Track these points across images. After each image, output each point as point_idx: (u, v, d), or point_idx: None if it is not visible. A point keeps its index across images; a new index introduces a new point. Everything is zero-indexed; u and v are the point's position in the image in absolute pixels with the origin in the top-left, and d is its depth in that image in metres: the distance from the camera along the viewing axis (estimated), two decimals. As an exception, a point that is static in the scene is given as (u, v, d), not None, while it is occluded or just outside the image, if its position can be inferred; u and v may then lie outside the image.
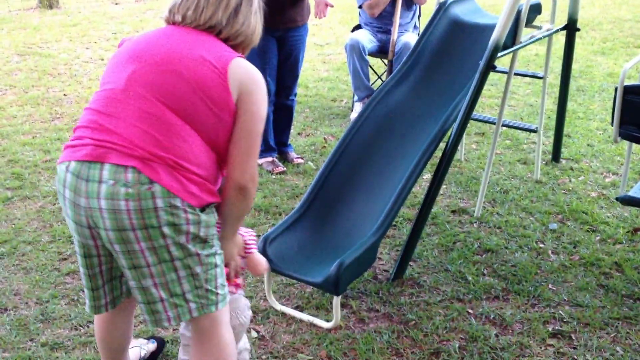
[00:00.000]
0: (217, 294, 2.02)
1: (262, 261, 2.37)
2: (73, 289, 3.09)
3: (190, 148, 1.91)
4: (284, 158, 4.58)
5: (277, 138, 4.56)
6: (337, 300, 2.76)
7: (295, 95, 4.55)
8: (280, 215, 3.78)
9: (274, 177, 4.31)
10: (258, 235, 3.50)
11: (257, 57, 3.93)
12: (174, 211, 1.86)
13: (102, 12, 10.39)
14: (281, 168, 4.39)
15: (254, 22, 2.08)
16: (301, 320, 2.85)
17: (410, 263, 3.27)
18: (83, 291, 3.06)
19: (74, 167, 1.88)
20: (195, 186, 1.91)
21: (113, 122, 1.90)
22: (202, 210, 1.94)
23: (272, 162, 4.44)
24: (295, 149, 4.79)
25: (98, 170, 1.85)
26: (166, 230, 1.87)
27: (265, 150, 4.44)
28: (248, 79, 1.96)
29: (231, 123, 1.96)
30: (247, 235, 2.31)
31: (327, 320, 2.83)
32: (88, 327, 2.81)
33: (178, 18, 2.04)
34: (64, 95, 6.18)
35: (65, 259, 3.36)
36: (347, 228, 3.22)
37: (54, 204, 3.96)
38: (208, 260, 1.98)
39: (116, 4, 11.01)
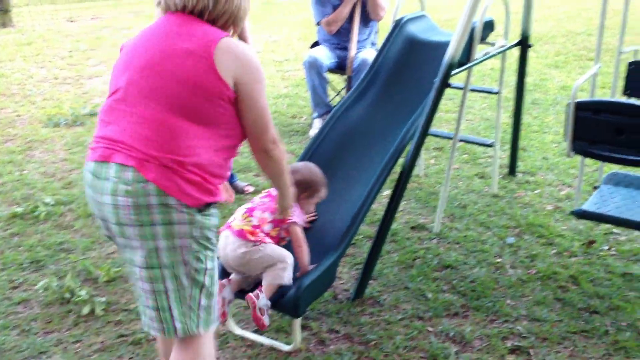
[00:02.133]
0: (199, 315, 2.04)
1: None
2: (25, 318, 3.01)
3: (193, 146, 1.96)
4: (233, 190, 4.37)
5: None
6: (296, 323, 2.73)
7: None
8: (239, 235, 3.74)
9: (235, 197, 4.26)
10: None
11: None
12: (167, 209, 1.92)
13: (57, 29, 10.23)
14: (251, 188, 4.35)
15: None
16: (261, 344, 2.81)
17: (371, 281, 3.26)
18: (35, 320, 2.99)
19: (91, 167, 2.02)
20: (193, 186, 1.95)
21: (115, 128, 1.99)
22: (199, 210, 1.97)
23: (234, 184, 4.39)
24: (255, 167, 4.75)
25: (106, 169, 1.97)
26: (159, 229, 1.93)
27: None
28: (240, 63, 1.99)
29: (234, 108, 2.02)
30: None
31: (287, 343, 2.80)
32: (40, 359, 2.73)
33: (171, 6, 2.07)
34: (17, 116, 6.05)
35: (16, 287, 3.27)
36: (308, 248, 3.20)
37: (5, 229, 3.86)
38: (198, 277, 2.01)
39: (71, 21, 10.85)
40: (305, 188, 2.91)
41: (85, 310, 3.06)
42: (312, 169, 3.01)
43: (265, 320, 2.64)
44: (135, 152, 1.93)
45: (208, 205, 2.00)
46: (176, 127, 1.95)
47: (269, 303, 2.66)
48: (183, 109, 1.95)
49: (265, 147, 2.13)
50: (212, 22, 2.07)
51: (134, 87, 1.99)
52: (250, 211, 2.76)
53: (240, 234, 2.68)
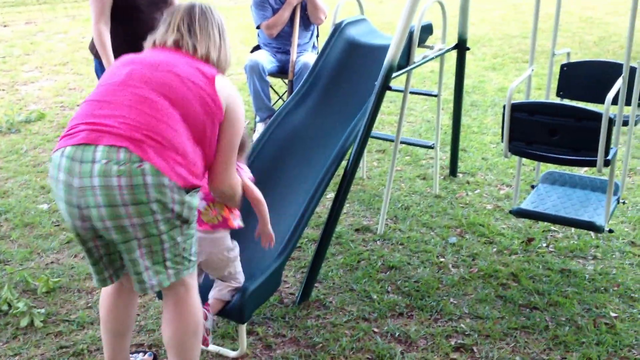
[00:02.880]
0: (190, 260, 2.25)
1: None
2: (-41, 333, 2.90)
3: (179, 137, 2.11)
4: None
5: None
6: (242, 328, 2.71)
7: None
8: (182, 242, 3.70)
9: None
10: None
11: None
12: (162, 189, 2.05)
13: (-11, 34, 9.92)
14: None
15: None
16: (207, 351, 2.78)
17: (316, 284, 3.27)
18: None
19: (69, 151, 2.05)
20: (182, 168, 2.11)
21: (111, 106, 2.11)
22: (187, 192, 2.13)
23: None
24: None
25: (91, 152, 2.02)
26: (154, 206, 2.05)
27: None
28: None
29: (217, 130, 2.23)
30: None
31: (233, 349, 2.78)
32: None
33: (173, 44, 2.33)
34: (-52, 123, 5.84)
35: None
36: (251, 252, 3.18)
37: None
38: (188, 231, 2.20)
39: (5, 26, 10.53)
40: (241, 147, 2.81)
41: (24, 322, 2.97)
42: None
43: (209, 340, 2.61)
44: (128, 131, 2.05)
45: (194, 188, 2.16)
46: (170, 115, 2.11)
47: (214, 322, 2.62)
48: (180, 102, 2.14)
49: (223, 190, 2.37)
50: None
51: (137, 76, 2.16)
52: (208, 201, 2.59)
53: (225, 224, 2.60)
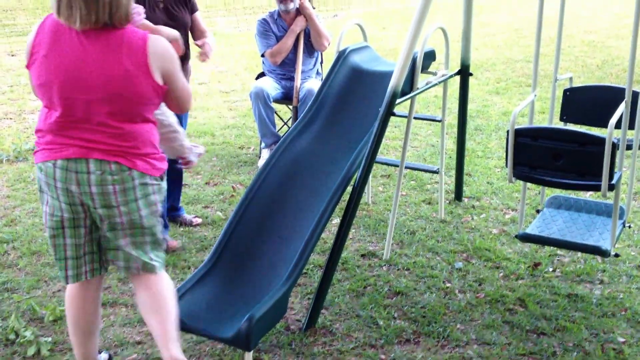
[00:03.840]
0: (163, 257, 2.68)
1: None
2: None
3: (144, 136, 2.49)
4: (181, 222, 4.30)
5: (167, 203, 4.17)
6: (249, 356, 2.71)
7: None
8: (189, 269, 3.71)
9: (181, 229, 4.23)
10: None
11: None
12: (146, 186, 2.50)
13: (-3, 63, 10.03)
14: (175, 243, 4.00)
15: None
16: (213, 379, 2.77)
17: (322, 311, 3.26)
18: None
19: (61, 164, 2.42)
20: (156, 161, 2.54)
21: (80, 131, 2.44)
22: (161, 178, 2.58)
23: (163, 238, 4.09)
24: (203, 199, 4.73)
25: (84, 165, 2.41)
26: (140, 203, 2.49)
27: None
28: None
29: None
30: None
31: (240, 377, 2.78)
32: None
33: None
34: (-44, 152, 5.88)
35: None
36: (257, 279, 3.19)
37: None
38: (160, 232, 2.63)
39: (12, 55, 10.66)
40: None
41: (31, 351, 2.97)
42: None
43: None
44: (112, 148, 2.42)
45: (164, 172, 2.60)
46: (128, 129, 2.45)
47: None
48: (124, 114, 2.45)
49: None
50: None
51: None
52: None
53: None
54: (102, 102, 2.38)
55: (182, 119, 3.96)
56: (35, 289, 3.55)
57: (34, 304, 3.32)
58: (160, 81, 2.44)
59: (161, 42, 2.46)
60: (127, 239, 2.53)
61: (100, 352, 2.87)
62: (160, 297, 2.58)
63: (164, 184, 2.62)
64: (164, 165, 2.58)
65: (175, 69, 2.50)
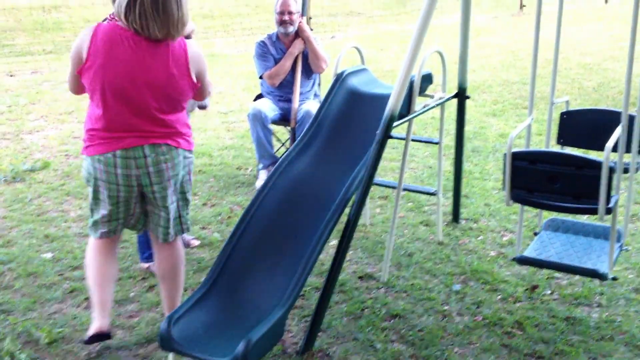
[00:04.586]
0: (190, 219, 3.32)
1: None
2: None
3: (178, 117, 3.05)
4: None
5: None
6: (245, 379, 2.69)
7: None
8: (185, 291, 3.69)
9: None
10: (163, 314, 3.41)
11: None
12: (187, 159, 3.11)
13: (-5, 83, 10.05)
14: (196, 242, 4.13)
15: None
16: (209, 403, 2.75)
17: (320, 333, 3.25)
18: None
19: (121, 153, 2.92)
20: (190, 138, 3.13)
21: (134, 122, 2.96)
22: (191, 152, 3.15)
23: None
24: (201, 220, 4.73)
25: (141, 151, 2.93)
26: (181, 172, 3.09)
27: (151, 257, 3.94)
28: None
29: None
30: None
31: (237, 401, 2.75)
32: None
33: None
34: (-46, 172, 5.87)
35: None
36: (255, 301, 3.17)
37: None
38: (190, 197, 3.25)
39: (11, 75, 10.68)
40: None
41: (26, 374, 2.95)
42: None
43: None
44: (160, 134, 2.95)
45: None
46: (171, 118, 3.01)
47: None
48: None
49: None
50: None
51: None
52: None
53: None
54: (151, 100, 2.89)
55: None
56: (31, 311, 3.53)
57: (30, 326, 3.31)
58: (195, 80, 3.00)
59: (195, 47, 3.01)
60: (172, 208, 3.10)
61: None
62: (177, 267, 3.22)
63: (193, 156, 3.23)
64: (193, 141, 3.19)
65: (206, 69, 3.07)
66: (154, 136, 2.95)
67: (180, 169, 3.06)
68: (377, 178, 4.62)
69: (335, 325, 3.35)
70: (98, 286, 3.12)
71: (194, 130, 7.03)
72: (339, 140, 3.86)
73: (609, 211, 2.85)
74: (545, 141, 3.67)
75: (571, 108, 3.86)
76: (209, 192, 5.33)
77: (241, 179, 5.69)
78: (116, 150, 2.92)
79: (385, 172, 5.78)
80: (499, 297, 3.63)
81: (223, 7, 17.22)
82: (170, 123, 2.99)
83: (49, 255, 4.18)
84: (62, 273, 3.95)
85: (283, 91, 5.47)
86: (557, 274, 3.85)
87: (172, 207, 3.11)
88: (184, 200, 3.19)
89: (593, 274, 3.08)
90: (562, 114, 3.79)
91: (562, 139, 3.79)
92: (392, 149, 6.32)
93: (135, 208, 3.12)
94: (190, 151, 3.13)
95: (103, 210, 3.08)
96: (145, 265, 3.94)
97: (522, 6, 17.52)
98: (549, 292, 3.67)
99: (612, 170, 2.81)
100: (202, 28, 13.68)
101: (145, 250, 3.92)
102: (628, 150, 3.22)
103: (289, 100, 5.44)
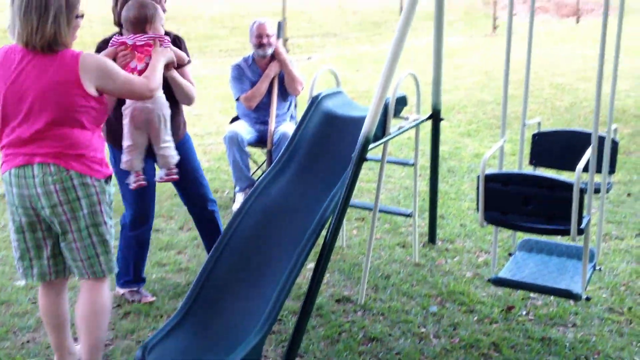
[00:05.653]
0: (113, 260, 2.96)
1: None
2: None
3: (84, 140, 2.82)
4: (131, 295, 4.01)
5: (131, 272, 3.92)
6: (222, 407, 2.66)
7: (213, 202, 4.19)
8: (161, 317, 3.66)
9: (153, 276, 4.18)
10: (139, 342, 3.37)
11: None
12: (86, 186, 2.80)
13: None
14: (150, 298, 3.89)
15: None
16: None
17: (297, 359, 3.23)
18: None
19: (14, 172, 2.79)
20: (97, 164, 2.85)
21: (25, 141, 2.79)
22: (106, 182, 2.88)
23: (138, 291, 3.92)
24: (177, 244, 4.70)
25: (30, 170, 2.76)
26: (83, 202, 2.80)
27: (134, 281, 3.92)
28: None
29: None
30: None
31: None
32: None
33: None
34: None
35: None
36: (232, 327, 3.15)
37: None
38: (112, 232, 2.93)
39: None
40: None
41: (-3, 406, 2.89)
42: None
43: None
44: (50, 152, 2.75)
45: (110, 177, 2.91)
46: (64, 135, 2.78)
47: None
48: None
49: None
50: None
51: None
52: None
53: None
54: (39, 115, 2.74)
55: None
56: (4, 340, 3.47)
57: (3, 355, 3.25)
58: (94, 92, 2.79)
59: (91, 57, 2.82)
60: (76, 241, 2.83)
61: (76, 340, 3.14)
62: (97, 307, 2.92)
63: (110, 188, 2.92)
64: (107, 170, 2.90)
65: (110, 76, 2.84)
66: (41, 154, 2.76)
67: (75, 196, 2.78)
68: (354, 200, 4.63)
69: (312, 350, 3.34)
70: (49, 331, 3.05)
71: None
72: (315, 163, 3.87)
73: (581, 232, 2.89)
74: (518, 162, 3.72)
75: (544, 128, 3.92)
76: (185, 216, 5.29)
77: (218, 202, 5.65)
78: (11, 169, 2.80)
79: (362, 193, 5.80)
80: (476, 318, 3.64)
81: (199, 29, 17.26)
82: (61, 141, 2.76)
83: (22, 283, 4.11)
84: (35, 301, 3.89)
85: (259, 113, 5.48)
86: (532, 294, 3.87)
87: (78, 239, 2.83)
88: (97, 235, 2.86)
89: (567, 294, 3.11)
90: (534, 135, 3.84)
91: (535, 160, 3.84)
92: (368, 170, 6.34)
93: (46, 241, 2.88)
94: (97, 179, 2.83)
95: (20, 249, 2.89)
96: (122, 291, 3.90)
97: (495, 27, 17.80)
98: (525, 312, 3.70)
99: (583, 191, 2.85)
100: (178, 50, 13.66)
101: (122, 276, 3.88)
102: (599, 170, 3.27)
103: (266, 123, 5.44)
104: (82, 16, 2.86)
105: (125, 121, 3.47)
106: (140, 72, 3.19)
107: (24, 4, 2.70)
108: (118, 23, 3.63)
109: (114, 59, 3.21)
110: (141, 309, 3.73)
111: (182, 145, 3.85)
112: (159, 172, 3.69)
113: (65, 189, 2.76)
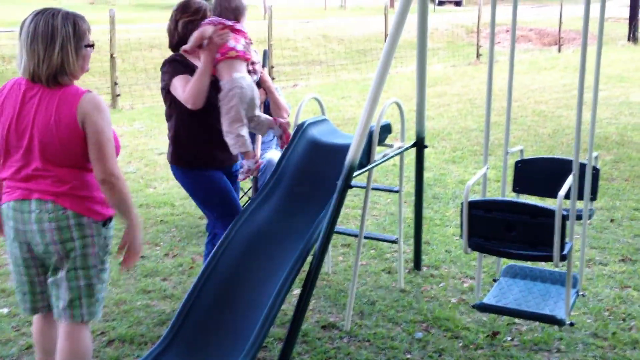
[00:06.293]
0: (96, 306, 2.83)
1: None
2: None
3: (85, 180, 2.75)
4: None
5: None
6: None
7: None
8: (146, 345, 3.64)
9: (138, 303, 4.16)
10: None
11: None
12: (82, 227, 2.72)
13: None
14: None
15: None
16: None
17: (282, 386, 3.22)
18: None
19: (13, 205, 2.74)
20: (98, 205, 2.76)
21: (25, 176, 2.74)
22: (104, 224, 2.79)
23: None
24: (162, 271, 4.68)
25: (27, 205, 2.71)
26: (77, 243, 2.71)
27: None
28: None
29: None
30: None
31: None
32: None
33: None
34: None
35: None
36: (217, 354, 3.15)
37: None
38: (103, 276, 2.83)
39: None
40: None
41: None
42: None
43: None
44: (49, 189, 2.69)
45: (109, 218, 2.82)
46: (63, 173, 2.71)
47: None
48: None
49: (103, 179, 2.70)
50: None
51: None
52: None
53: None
54: (38, 151, 2.68)
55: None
56: (-15, 369, 3.43)
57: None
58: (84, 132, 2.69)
59: (92, 98, 2.70)
60: (64, 281, 2.75)
61: None
62: (77, 353, 2.81)
63: (107, 231, 2.82)
64: (107, 211, 2.79)
65: (101, 126, 2.69)
66: (40, 191, 2.70)
67: (69, 236, 2.70)
68: (339, 226, 4.66)
69: (298, 377, 3.33)
70: (41, 356, 3.00)
71: (156, 180, 7.02)
72: (300, 190, 3.89)
73: (563, 258, 2.92)
74: (502, 190, 3.77)
75: (527, 154, 3.98)
76: (171, 242, 5.29)
77: (203, 228, 5.65)
78: (10, 202, 2.76)
79: (348, 219, 5.82)
80: (461, 344, 3.65)
81: (186, 56, 17.31)
82: (60, 180, 2.70)
83: (5, 310, 4.08)
84: (18, 328, 3.86)
85: (245, 140, 5.49)
86: (517, 320, 3.89)
87: (66, 278, 2.74)
88: (85, 278, 2.75)
89: (551, 320, 3.13)
90: (517, 163, 3.89)
91: (518, 187, 3.89)
92: (354, 196, 6.37)
93: (39, 277, 2.84)
94: (95, 221, 2.75)
95: (17, 281, 2.89)
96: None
97: (478, 55, 18.04)
98: (510, 338, 3.71)
99: (565, 218, 2.89)
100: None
101: None
102: (580, 197, 3.32)
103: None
104: (92, 46, 2.77)
105: (234, 102, 3.63)
106: (238, 53, 3.57)
107: (31, 34, 2.64)
108: (175, 46, 3.72)
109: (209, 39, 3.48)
110: (125, 337, 3.70)
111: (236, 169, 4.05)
112: (244, 165, 3.87)
113: (60, 227, 2.69)
